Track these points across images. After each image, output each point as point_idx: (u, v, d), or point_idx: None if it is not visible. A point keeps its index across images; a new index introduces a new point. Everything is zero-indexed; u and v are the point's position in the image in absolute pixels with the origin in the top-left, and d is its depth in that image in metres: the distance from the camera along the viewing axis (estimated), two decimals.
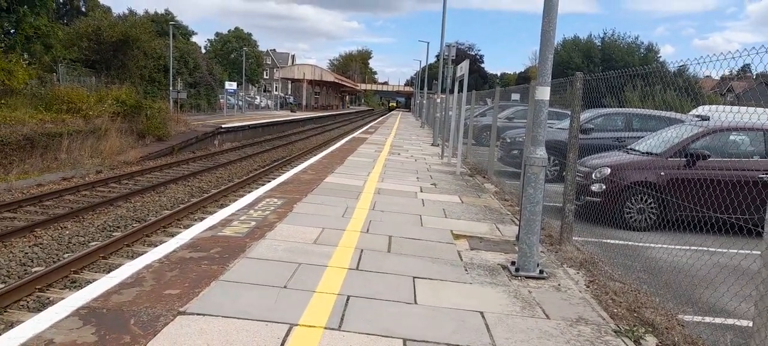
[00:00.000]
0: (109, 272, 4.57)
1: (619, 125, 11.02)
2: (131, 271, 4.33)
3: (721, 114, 7.61)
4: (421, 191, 9.47)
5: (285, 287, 4.21)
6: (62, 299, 3.78)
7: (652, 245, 5.69)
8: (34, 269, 6.78)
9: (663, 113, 9.57)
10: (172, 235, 7.56)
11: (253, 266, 4.67)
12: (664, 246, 5.38)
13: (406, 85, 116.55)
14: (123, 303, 3.68)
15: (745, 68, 4.42)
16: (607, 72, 5.97)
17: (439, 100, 22.43)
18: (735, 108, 7.15)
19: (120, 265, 5.44)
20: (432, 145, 20.67)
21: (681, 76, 5.68)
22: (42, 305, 5.55)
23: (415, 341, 3.41)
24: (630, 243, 6.23)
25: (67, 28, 29.82)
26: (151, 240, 8.26)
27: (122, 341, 3.13)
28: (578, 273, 5.11)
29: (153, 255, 4.78)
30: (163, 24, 41.76)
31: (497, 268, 5.12)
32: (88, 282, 5.29)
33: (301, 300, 3.94)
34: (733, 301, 3.57)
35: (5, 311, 5.53)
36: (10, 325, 4.98)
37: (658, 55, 58.50)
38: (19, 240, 7.90)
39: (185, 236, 5.50)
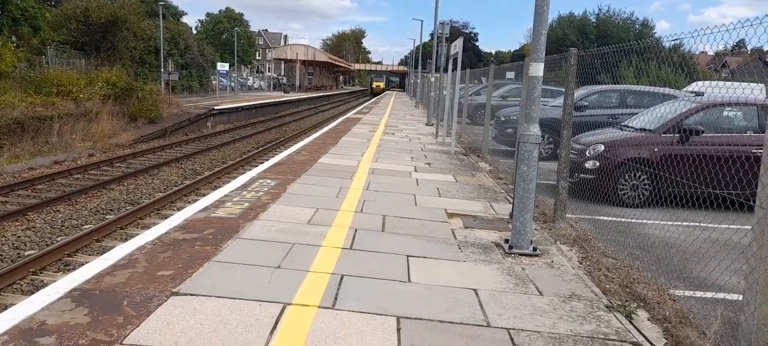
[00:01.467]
0: (102, 255, 4.55)
1: (613, 102, 10.99)
2: (124, 253, 4.31)
3: (715, 90, 7.60)
4: (416, 171, 9.46)
5: (278, 267, 4.20)
6: (55, 281, 3.76)
7: (645, 221, 5.72)
8: (27, 253, 6.75)
9: (657, 89, 9.55)
10: (165, 217, 7.54)
11: (246, 247, 4.65)
12: (657, 222, 5.40)
13: (400, 64, 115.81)
14: (116, 285, 3.67)
15: (740, 43, 4.41)
16: (602, 47, 5.92)
17: (433, 80, 22.32)
18: (728, 83, 7.14)
19: (113, 247, 5.42)
20: (426, 124, 20.61)
21: (676, 52, 5.65)
22: (35, 288, 5.53)
23: (409, 318, 3.42)
24: (623, 220, 6.27)
25: (55, 10, 29.36)
26: (144, 222, 8.24)
27: (115, 321, 3.13)
28: (571, 250, 5.14)
29: (146, 237, 4.76)
30: (153, 5, 40.98)
31: (491, 246, 5.13)
32: (81, 265, 5.26)
33: (295, 280, 3.94)
34: (723, 275, 3.59)
35: None
36: (4, 307, 4.96)
37: (654, 31, 58.44)
38: (12, 224, 7.85)
39: (178, 217, 5.48)
